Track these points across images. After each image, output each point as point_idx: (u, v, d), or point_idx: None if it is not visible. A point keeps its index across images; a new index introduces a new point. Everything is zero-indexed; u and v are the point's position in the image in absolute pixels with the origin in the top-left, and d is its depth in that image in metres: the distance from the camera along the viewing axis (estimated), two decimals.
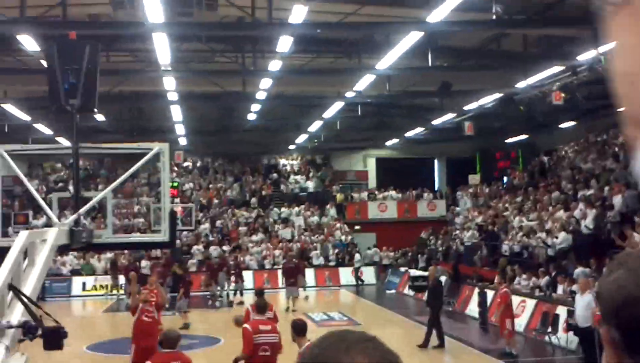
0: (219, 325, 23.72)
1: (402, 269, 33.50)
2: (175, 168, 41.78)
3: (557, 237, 23.20)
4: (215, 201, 40.95)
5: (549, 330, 17.74)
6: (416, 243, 37.29)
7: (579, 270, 19.87)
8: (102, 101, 9.43)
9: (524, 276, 22.16)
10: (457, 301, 25.19)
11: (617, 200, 22.84)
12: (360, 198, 41.88)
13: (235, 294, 29.36)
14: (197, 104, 31.41)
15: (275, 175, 44.03)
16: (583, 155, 30.42)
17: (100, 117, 30.15)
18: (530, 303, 19.84)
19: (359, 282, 35.00)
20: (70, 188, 27.02)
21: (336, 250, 36.95)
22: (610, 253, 20.69)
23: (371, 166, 45.39)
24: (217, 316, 25.79)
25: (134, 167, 9.15)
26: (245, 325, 10.06)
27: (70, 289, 33.06)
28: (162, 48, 19.83)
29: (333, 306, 28.51)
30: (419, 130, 36.85)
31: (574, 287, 17.91)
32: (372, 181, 45.02)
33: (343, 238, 38.28)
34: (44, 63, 9.37)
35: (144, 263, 33.05)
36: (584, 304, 14.59)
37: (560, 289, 19.70)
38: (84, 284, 33.29)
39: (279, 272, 32.44)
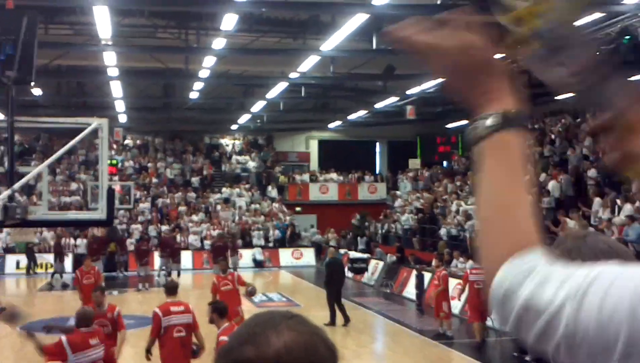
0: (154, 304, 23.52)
1: (342, 251, 33.72)
2: (114, 146, 41.05)
3: None
4: (155, 180, 40.46)
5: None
6: (356, 221, 37.58)
7: None
8: (40, 74, 9.21)
9: (461, 259, 22.57)
10: (395, 284, 25.52)
11: (553, 185, 23.42)
12: (302, 179, 41.95)
13: (169, 275, 29.20)
14: (138, 80, 30.86)
15: (217, 155, 43.71)
16: None
17: (37, 91, 29.37)
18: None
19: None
20: (5, 163, 26.28)
21: (276, 231, 36.97)
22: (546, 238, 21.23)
23: (313, 148, 45.46)
24: (153, 297, 25.56)
25: (71, 142, 8.97)
26: (155, 309, 10.21)
27: (4, 267, 32.32)
28: (103, 22, 19.40)
29: (272, 287, 28.55)
30: (361, 113, 37.02)
31: None
32: (314, 163, 45.11)
33: (284, 218, 38.32)
34: None
35: (79, 241, 32.52)
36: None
37: None
38: (17, 262, 32.56)
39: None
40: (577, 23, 1.43)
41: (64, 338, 8.25)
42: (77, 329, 8.43)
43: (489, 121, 1.42)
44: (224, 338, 8.72)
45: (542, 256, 1.29)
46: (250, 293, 14.54)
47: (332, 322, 18.79)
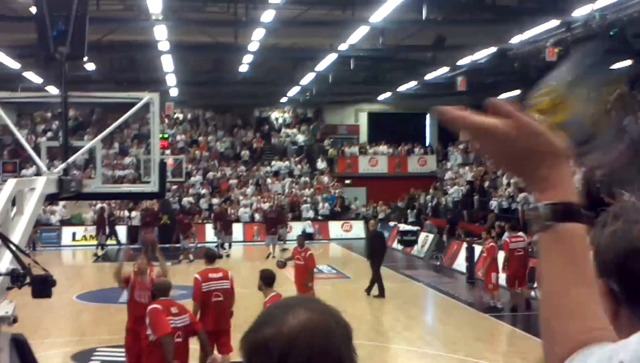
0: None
1: (392, 224, 33.70)
2: (166, 120, 41.57)
3: None
4: (206, 153, 40.89)
5: (535, 285, 17.96)
6: (406, 198, 37.47)
7: None
8: (92, 49, 9.35)
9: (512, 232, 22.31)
10: (445, 256, 25.44)
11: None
12: (351, 152, 41.91)
13: (222, 247, 29.59)
14: (188, 55, 31.08)
15: (266, 128, 43.91)
16: None
17: (90, 66, 29.85)
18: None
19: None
20: (60, 137, 26.86)
21: (325, 204, 37.09)
22: (599, 211, 20.87)
23: (363, 121, 45.30)
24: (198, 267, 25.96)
25: (123, 117, 9.11)
26: (195, 275, 10.72)
27: (60, 239, 33.16)
28: None
29: (323, 259, 28.74)
30: (411, 85, 36.67)
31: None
32: (363, 136, 44.97)
33: (334, 190, 38.41)
34: (33, 10, 9.23)
35: (133, 213, 33.14)
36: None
37: None
38: (73, 234, 33.40)
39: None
40: (601, 119, 1.49)
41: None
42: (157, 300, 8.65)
43: (546, 212, 1.44)
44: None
45: (600, 353, 1.31)
46: (279, 265, 14.83)
47: (381, 294, 18.89)
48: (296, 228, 33.81)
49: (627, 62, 27.23)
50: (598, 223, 1.58)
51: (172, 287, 9.12)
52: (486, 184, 29.86)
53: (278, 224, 29.69)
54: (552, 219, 1.42)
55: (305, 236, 34.40)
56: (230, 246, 29.74)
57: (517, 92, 38.33)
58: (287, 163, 40.65)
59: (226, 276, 10.70)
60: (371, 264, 19.24)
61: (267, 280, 9.39)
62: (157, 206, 32.35)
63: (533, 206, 1.46)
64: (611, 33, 19.82)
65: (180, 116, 43.88)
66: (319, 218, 36.59)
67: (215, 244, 30.04)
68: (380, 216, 36.95)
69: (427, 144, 44.81)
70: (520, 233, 21.49)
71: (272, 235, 28.93)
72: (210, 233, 31.40)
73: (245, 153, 41.45)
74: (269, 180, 38.98)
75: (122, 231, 32.64)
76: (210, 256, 11.11)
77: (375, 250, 19.44)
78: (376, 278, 18.96)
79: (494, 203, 27.45)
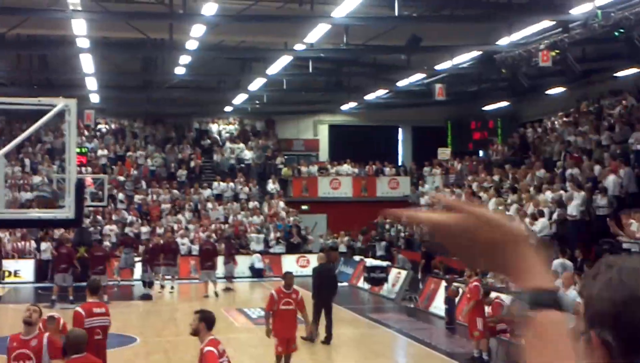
0: (134, 320, 23.64)
1: (357, 258, 33.77)
2: (85, 131, 41.16)
3: (536, 223, 23.66)
4: (134, 172, 40.58)
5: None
6: (372, 228, 37.62)
7: (558, 262, 20.31)
8: None
9: None
10: (420, 297, 25.54)
11: (611, 181, 23.36)
12: (309, 172, 42.00)
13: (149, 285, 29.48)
14: (113, 53, 30.95)
15: (207, 142, 43.78)
16: (573, 127, 30.97)
17: None
18: (507, 298, 20.22)
19: None
20: None
21: (277, 234, 37.03)
22: (601, 242, 21.24)
23: (323, 135, 45.46)
24: (132, 310, 25.71)
25: (32, 127, 9.01)
26: (77, 308, 11.20)
27: None
28: None
29: None
30: (381, 93, 37.00)
31: (557, 282, 18.29)
32: (323, 153, 45.10)
33: (287, 218, 38.37)
34: None
35: (43, 245, 32.66)
36: (568, 302, 14.91)
37: None
38: None
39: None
40: None
41: None
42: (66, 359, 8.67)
43: (521, 301, 1.65)
44: (211, 349, 8.84)
45: None
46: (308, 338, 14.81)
47: (328, 339, 18.81)
48: (242, 263, 33.67)
49: (633, 71, 27.87)
50: (588, 274, 1.73)
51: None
52: None
53: (215, 257, 29.53)
54: (528, 310, 1.63)
55: (255, 272, 34.62)
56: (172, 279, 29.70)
57: (504, 103, 39.01)
58: (231, 184, 40.55)
59: (107, 312, 11.48)
60: (314, 305, 18.95)
61: (208, 322, 9.33)
62: (72, 236, 31.91)
63: (516, 293, 1.65)
64: (616, 34, 20.18)
65: (103, 127, 43.52)
66: (270, 250, 36.50)
67: (165, 281, 29.97)
68: (342, 248, 36.98)
69: (399, 163, 45.11)
70: None
71: (207, 270, 28.86)
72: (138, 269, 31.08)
73: (181, 172, 41.24)
74: (209, 205, 38.80)
75: (28, 266, 32.10)
76: (94, 288, 11.79)
77: (321, 287, 19.21)
78: (315, 319, 18.70)
79: None
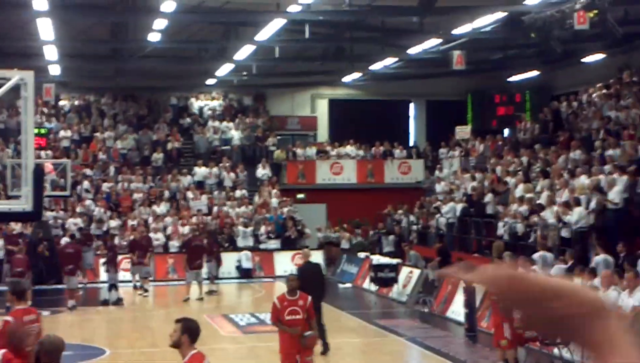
0: (103, 329, 23.70)
1: (361, 255, 33.80)
2: (44, 108, 41.09)
3: (572, 213, 23.66)
4: (102, 156, 40.56)
5: (559, 339, 18.15)
6: (379, 220, 37.64)
7: (599, 258, 20.31)
8: None
9: (529, 266, 22.58)
10: (436, 300, 25.58)
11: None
12: (306, 155, 41.97)
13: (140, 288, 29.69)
14: (76, 17, 30.85)
15: (187, 121, 43.71)
16: (614, 101, 30.95)
17: None
18: None
19: None
20: None
21: (269, 228, 37.04)
22: None
23: (322, 111, 45.41)
24: (100, 317, 25.76)
25: None
26: (7, 317, 11.11)
27: None
28: None
29: (265, 304, 28.62)
30: (389, 62, 36.92)
31: (595, 281, 18.31)
32: (322, 132, 45.07)
33: (280, 209, 38.37)
34: None
35: None
36: (610, 303, 14.95)
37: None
38: None
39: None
40: None
41: None
42: None
43: None
44: None
45: None
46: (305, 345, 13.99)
47: (325, 349, 18.80)
48: (228, 261, 33.68)
49: None
50: None
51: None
52: (490, 200, 30.14)
53: (204, 256, 29.66)
54: None
55: (243, 273, 34.65)
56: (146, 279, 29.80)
57: (533, 73, 38.97)
58: (215, 169, 40.52)
59: (38, 318, 11.46)
60: None
61: (192, 333, 9.25)
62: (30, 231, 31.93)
63: None
64: None
65: (65, 104, 43.46)
66: (261, 247, 36.51)
67: (133, 283, 30.10)
68: (344, 243, 36.98)
69: (411, 144, 45.07)
70: (536, 267, 21.70)
71: (195, 269, 28.94)
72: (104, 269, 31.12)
73: (156, 156, 41.19)
74: (189, 194, 38.77)
75: None
76: (19, 292, 11.58)
77: (307, 290, 19.19)
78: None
79: (502, 226, 27.70)
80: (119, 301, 27.74)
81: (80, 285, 28.07)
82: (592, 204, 23.85)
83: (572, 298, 1.68)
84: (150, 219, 36.37)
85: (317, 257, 36.02)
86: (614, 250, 21.07)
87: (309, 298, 14.30)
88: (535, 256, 22.89)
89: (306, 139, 44.12)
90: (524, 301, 1.70)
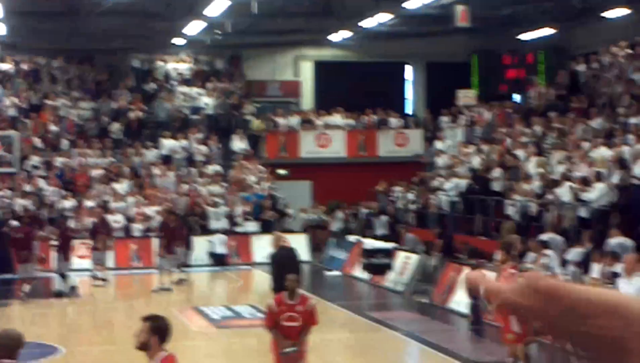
0: (56, 324, 23.64)
1: (352, 238, 33.78)
2: None
3: (590, 190, 23.68)
4: (54, 127, 40.38)
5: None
6: (372, 199, 37.61)
7: (614, 242, 20.31)
8: None
9: (542, 250, 22.60)
10: (437, 289, 25.61)
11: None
12: (289, 125, 41.87)
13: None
14: None
15: (152, 86, 43.54)
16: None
17: None
18: None
19: None
20: None
21: (246, 208, 36.97)
22: None
23: (306, 75, 45.28)
24: (54, 312, 25.72)
25: None
26: None
27: None
28: None
29: (242, 296, 28.65)
30: (384, 18, 36.79)
31: (617, 267, 18.34)
32: (307, 99, 44.99)
33: (259, 186, 38.31)
34: None
35: None
36: (633, 292, 14.99)
37: (595, 270, 20.17)
38: None
39: (154, 241, 32.48)
40: None
41: None
42: None
43: None
44: None
45: None
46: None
47: None
48: (200, 247, 33.59)
49: None
50: None
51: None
52: (499, 175, 30.13)
53: (177, 240, 29.47)
54: None
55: (216, 259, 34.58)
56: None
57: (547, 31, 38.92)
58: (184, 142, 40.39)
59: None
60: None
61: (162, 332, 9.14)
62: None
63: None
64: None
65: (11, 68, 43.23)
66: (237, 230, 36.45)
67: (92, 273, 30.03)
68: (335, 225, 36.94)
69: (408, 112, 45.00)
70: (549, 252, 21.76)
71: (169, 254, 28.83)
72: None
73: (116, 127, 41.03)
74: (155, 170, 38.64)
75: None
76: None
77: (281, 278, 19.16)
78: None
79: (512, 205, 27.72)
80: (73, 291, 27.62)
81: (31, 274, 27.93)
82: (615, 180, 23.89)
83: (626, 317, 1.56)
84: (111, 199, 36.23)
85: (301, 242, 36.10)
86: (637, 231, 21.12)
87: (309, 302, 14.01)
88: (544, 237, 22.98)
89: (288, 107, 43.98)
90: (566, 318, 1.61)
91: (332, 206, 37.97)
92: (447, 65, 43.18)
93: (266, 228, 36.52)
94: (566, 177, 25.56)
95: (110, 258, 31.94)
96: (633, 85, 29.39)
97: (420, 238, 30.91)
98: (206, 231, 35.52)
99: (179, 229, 30.23)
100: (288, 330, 13.57)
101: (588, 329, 1.58)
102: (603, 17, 34.54)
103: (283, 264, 19.08)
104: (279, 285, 19.02)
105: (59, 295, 27.74)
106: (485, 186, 30.66)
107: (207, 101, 43.02)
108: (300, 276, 19.12)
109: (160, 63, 44.82)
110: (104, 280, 30.07)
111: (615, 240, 20.45)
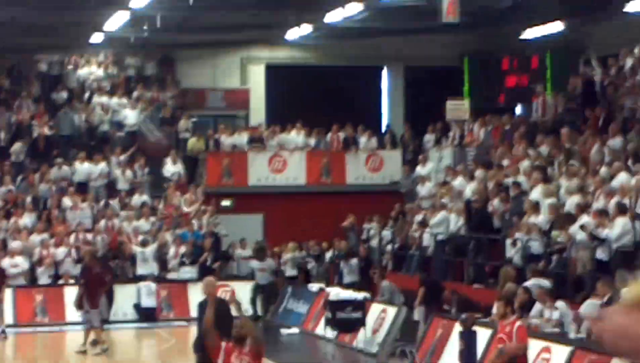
0: None
1: (314, 287, 33.79)
2: None
3: (610, 226, 23.79)
4: None
5: None
6: (339, 237, 37.59)
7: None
8: None
9: (549, 302, 22.68)
10: (420, 350, 25.65)
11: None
12: (235, 144, 41.89)
13: None
14: None
15: (62, 96, 43.44)
16: None
17: None
18: (561, 352, 20.38)
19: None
20: None
21: (182, 248, 36.89)
22: None
23: (257, 82, 45.40)
24: None
25: None
26: None
27: None
28: None
29: (175, 359, 28.56)
30: (353, 10, 36.91)
31: None
32: (257, 112, 45.07)
33: (199, 222, 38.25)
34: None
35: None
36: None
37: None
38: None
39: (67, 290, 32.29)
40: None
41: None
42: None
43: None
44: None
45: None
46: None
47: None
48: (123, 297, 33.46)
49: None
50: None
51: None
52: (497, 207, 30.24)
53: (100, 289, 29.18)
54: None
55: (143, 313, 34.41)
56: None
57: (556, 27, 39.20)
58: (103, 165, 40.28)
59: None
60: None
61: None
62: None
63: None
64: None
65: None
66: (169, 277, 36.36)
67: None
68: (289, 270, 36.87)
69: (384, 128, 45.10)
70: (561, 304, 21.88)
71: (93, 309, 28.47)
72: None
73: (18, 147, 40.86)
74: (66, 201, 38.51)
75: None
76: None
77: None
78: None
79: (512, 246, 27.79)
80: None
81: None
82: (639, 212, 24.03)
83: None
84: (9, 237, 36.05)
85: (245, 291, 36.08)
86: None
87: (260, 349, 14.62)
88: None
89: (234, 122, 44.08)
90: None
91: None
92: (433, 70, 43.45)
93: (206, 273, 36.45)
94: (580, 209, 25.59)
95: (8, 312, 31.81)
96: None
97: (399, 286, 30.96)
98: (131, 278, 35.40)
99: (102, 276, 30.05)
100: None
101: None
102: (624, 12, 34.79)
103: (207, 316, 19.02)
104: (198, 346, 19.03)
105: None
106: (480, 221, 30.75)
107: (131, 115, 42.93)
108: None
109: (72, 66, 44.73)
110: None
111: None
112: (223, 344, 14.55)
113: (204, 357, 18.81)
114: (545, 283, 23.61)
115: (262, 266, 35.48)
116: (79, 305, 28.39)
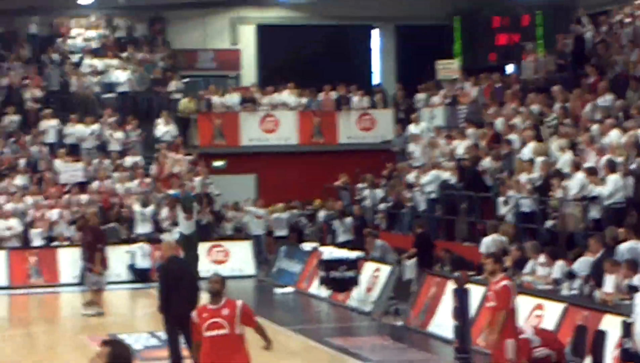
0: None
1: (307, 246, 33.81)
2: None
3: (603, 183, 23.84)
4: None
5: (587, 359, 18.35)
6: (331, 196, 37.59)
7: (624, 247, 20.43)
8: None
9: (541, 258, 22.74)
10: (414, 309, 25.70)
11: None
12: (226, 104, 41.82)
13: None
14: None
15: (54, 57, 43.33)
16: None
17: None
18: (553, 309, 20.43)
19: None
20: None
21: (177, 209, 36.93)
22: None
23: (247, 42, 45.28)
24: None
25: None
26: None
27: None
28: None
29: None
30: None
31: (635, 279, 18.51)
32: (248, 72, 44.98)
33: (190, 182, 38.24)
34: None
35: None
36: None
37: (609, 283, 20.35)
38: None
39: (60, 251, 32.31)
40: None
41: None
42: None
43: None
44: None
45: None
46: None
47: None
48: (117, 258, 33.46)
49: None
50: None
51: None
52: (488, 166, 30.26)
53: (97, 252, 28.96)
54: None
55: (138, 274, 34.45)
56: None
57: None
58: (95, 127, 40.21)
59: None
60: (165, 323, 19.00)
61: (121, 360, 9.24)
62: None
63: None
64: None
65: None
66: (163, 237, 36.39)
67: None
68: (279, 230, 36.88)
69: (375, 88, 44.98)
70: (561, 262, 21.92)
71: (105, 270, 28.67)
72: None
73: (10, 111, 40.78)
74: (58, 163, 38.45)
75: None
76: None
77: (173, 294, 19.05)
78: (172, 347, 18.71)
79: (505, 203, 27.83)
80: None
81: None
82: (631, 168, 24.03)
83: None
84: (2, 200, 36.04)
85: (244, 252, 36.09)
86: None
87: (238, 304, 13.85)
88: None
89: (225, 83, 43.98)
90: None
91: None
92: (423, 29, 43.39)
93: (200, 233, 36.49)
94: (573, 167, 25.56)
95: (2, 274, 31.88)
96: None
97: (392, 245, 30.96)
98: (124, 239, 35.38)
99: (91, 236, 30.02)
100: (214, 341, 13.56)
101: None
102: None
103: (173, 277, 18.89)
104: (167, 304, 18.94)
105: None
106: (472, 179, 30.77)
107: (122, 76, 42.84)
108: (197, 295, 18.97)
109: (62, 27, 44.57)
110: None
111: (626, 245, 20.54)
112: (194, 313, 13.99)
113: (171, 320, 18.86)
114: None
115: None
116: (104, 265, 28.40)
